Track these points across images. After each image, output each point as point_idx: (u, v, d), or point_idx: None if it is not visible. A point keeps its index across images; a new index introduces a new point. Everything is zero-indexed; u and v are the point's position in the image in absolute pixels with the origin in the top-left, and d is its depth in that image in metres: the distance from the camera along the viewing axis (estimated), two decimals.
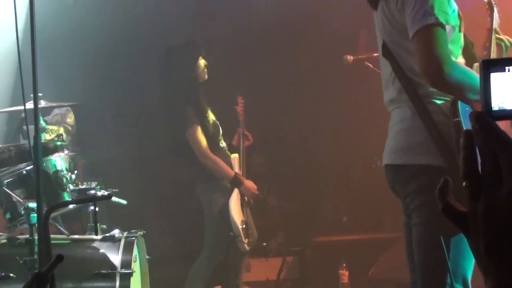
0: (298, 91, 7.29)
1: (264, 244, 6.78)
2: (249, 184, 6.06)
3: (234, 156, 6.13)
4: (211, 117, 5.95)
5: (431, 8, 2.91)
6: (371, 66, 5.54)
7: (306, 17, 7.28)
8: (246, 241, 5.93)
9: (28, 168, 4.39)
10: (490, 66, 1.17)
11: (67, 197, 4.48)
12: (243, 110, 6.49)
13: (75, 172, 4.62)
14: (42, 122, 4.63)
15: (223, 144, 6.02)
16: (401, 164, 3.14)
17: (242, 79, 7.03)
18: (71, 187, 4.52)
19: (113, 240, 4.25)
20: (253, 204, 6.18)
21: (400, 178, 3.17)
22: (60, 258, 2.80)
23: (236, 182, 5.93)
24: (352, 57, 5.95)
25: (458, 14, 3.07)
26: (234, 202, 5.91)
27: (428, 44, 2.92)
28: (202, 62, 5.93)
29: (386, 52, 3.14)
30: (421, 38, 2.93)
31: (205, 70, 5.95)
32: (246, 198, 6.08)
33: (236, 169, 6.07)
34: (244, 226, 5.94)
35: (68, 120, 6.22)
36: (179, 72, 5.90)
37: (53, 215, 4.25)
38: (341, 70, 6.31)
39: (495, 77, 1.16)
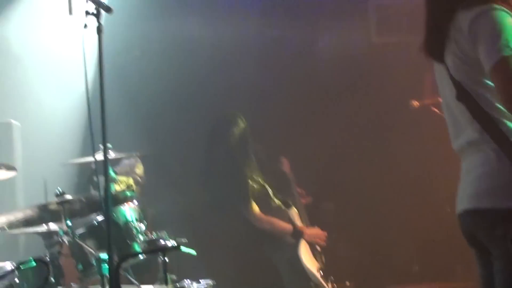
0: (364, 138, 7.24)
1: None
2: (312, 231, 6.13)
3: (292, 209, 6.21)
4: (260, 180, 6.09)
5: (505, 40, 2.87)
6: (438, 111, 5.48)
7: (370, 63, 7.26)
8: (330, 286, 5.96)
9: (99, 218, 4.43)
10: None
11: (137, 247, 4.50)
12: (289, 169, 6.53)
13: (145, 222, 4.64)
14: (111, 173, 4.68)
15: (276, 203, 6.13)
16: (486, 209, 2.99)
17: (307, 125, 7.04)
18: (141, 237, 4.54)
19: None
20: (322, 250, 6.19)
21: (484, 224, 3.02)
22: None
23: (297, 234, 6.04)
24: (418, 102, 5.91)
25: None
26: (304, 253, 5.94)
27: (508, 75, 2.87)
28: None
29: (462, 93, 3.07)
30: (500, 70, 2.88)
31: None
32: (318, 247, 6.11)
33: (297, 222, 6.13)
34: (321, 272, 5.96)
35: (137, 170, 6.27)
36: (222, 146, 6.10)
37: (123, 265, 4.27)
38: (407, 115, 6.25)
39: None
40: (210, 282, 4.41)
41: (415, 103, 5.92)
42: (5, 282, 3.76)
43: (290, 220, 6.10)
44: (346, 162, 7.18)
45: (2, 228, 4.55)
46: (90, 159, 4.85)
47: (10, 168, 4.12)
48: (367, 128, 7.27)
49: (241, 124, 6.25)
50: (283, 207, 6.19)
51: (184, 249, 4.65)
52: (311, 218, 6.36)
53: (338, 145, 7.06)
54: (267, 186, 6.21)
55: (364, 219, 7.34)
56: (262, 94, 7.06)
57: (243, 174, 6.10)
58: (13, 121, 6.61)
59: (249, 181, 6.10)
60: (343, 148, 7.07)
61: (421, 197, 7.00)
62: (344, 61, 7.24)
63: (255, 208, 6.03)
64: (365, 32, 7.47)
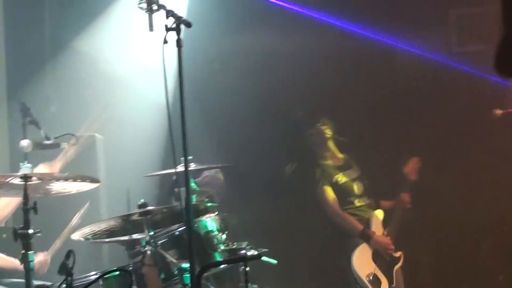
0: (445, 146, 7.16)
1: None
2: (381, 239, 6.17)
3: (377, 214, 6.25)
4: (341, 178, 6.29)
5: None
6: None
7: (450, 71, 7.19)
8: None
9: (180, 229, 4.50)
10: None
11: (218, 257, 4.55)
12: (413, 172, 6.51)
13: (226, 232, 4.69)
14: (192, 184, 4.74)
15: (360, 203, 6.20)
16: None
17: (386, 133, 7.03)
18: (222, 247, 4.59)
19: None
20: (387, 260, 6.22)
21: None
22: None
23: (364, 236, 6.14)
24: (501, 111, 5.85)
25: None
26: (357, 256, 6.06)
27: None
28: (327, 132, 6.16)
29: None
30: None
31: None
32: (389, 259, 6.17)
33: (374, 227, 6.16)
34: (371, 278, 5.99)
35: (217, 181, 6.34)
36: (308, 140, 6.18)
37: (205, 275, 4.33)
38: (488, 123, 6.18)
39: None
40: None
41: (498, 112, 5.87)
42: None
43: (366, 222, 6.18)
44: (428, 169, 7.11)
45: (87, 238, 4.65)
46: (171, 171, 4.93)
47: (94, 180, 4.22)
48: (447, 137, 7.19)
49: (321, 123, 6.40)
50: (365, 208, 6.29)
51: (265, 258, 4.68)
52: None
53: (416, 152, 6.99)
54: (354, 185, 6.34)
55: (446, 227, 7.25)
56: (341, 106, 7.06)
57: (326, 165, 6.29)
58: (96, 134, 6.75)
59: (331, 173, 6.31)
60: (423, 156, 6.99)
61: (506, 205, 6.88)
62: (423, 70, 7.19)
63: (330, 193, 6.18)
64: (445, 41, 7.41)
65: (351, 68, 7.22)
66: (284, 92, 7.19)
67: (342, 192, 6.33)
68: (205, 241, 4.55)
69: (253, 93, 7.15)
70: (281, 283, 4.56)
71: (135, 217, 4.45)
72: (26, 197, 3.91)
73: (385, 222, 6.34)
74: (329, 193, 6.32)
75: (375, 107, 7.12)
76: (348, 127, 6.85)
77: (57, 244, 5.25)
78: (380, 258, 6.19)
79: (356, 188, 6.39)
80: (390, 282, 6.14)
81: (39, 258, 5.05)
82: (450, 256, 7.25)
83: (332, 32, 7.25)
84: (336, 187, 6.34)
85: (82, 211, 5.37)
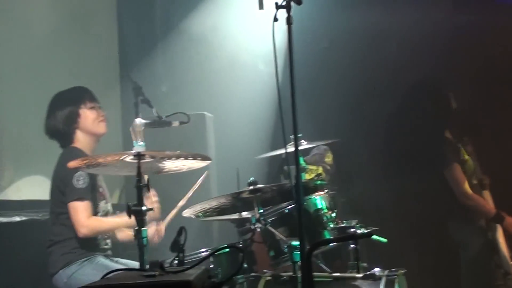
0: None
1: None
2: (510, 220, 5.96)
3: (486, 194, 6.06)
4: (465, 155, 5.93)
5: None
6: None
7: None
8: None
9: (290, 207, 4.51)
10: None
11: (327, 235, 4.54)
12: None
13: (335, 210, 4.67)
14: (302, 162, 4.74)
15: (475, 181, 5.99)
16: None
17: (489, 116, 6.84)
18: (331, 225, 4.58)
19: (374, 278, 4.24)
20: None
21: None
22: None
23: (498, 218, 5.87)
24: None
25: None
26: (501, 238, 5.82)
27: None
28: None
29: None
30: None
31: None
32: None
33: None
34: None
35: (326, 159, 6.32)
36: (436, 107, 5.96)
37: (315, 253, 4.33)
38: None
39: None
40: (401, 270, 4.37)
41: None
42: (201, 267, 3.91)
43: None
44: None
45: (197, 216, 4.72)
46: (281, 150, 4.94)
47: (205, 158, 4.27)
48: None
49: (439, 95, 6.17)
50: (478, 188, 6.07)
51: (375, 237, 4.64)
52: None
53: None
54: (472, 163, 6.14)
55: None
56: (449, 83, 6.89)
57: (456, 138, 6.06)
58: (206, 113, 6.84)
59: (458, 149, 6.06)
60: None
61: None
62: None
63: (463, 180, 5.93)
64: None
65: (460, 46, 7.02)
66: (393, 69, 7.09)
67: (466, 170, 6.07)
68: (315, 219, 4.55)
69: (362, 70, 7.08)
70: (392, 262, 4.50)
71: (245, 195, 4.48)
72: (139, 175, 3.99)
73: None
74: (459, 172, 6.00)
75: (480, 88, 6.91)
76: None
77: (173, 213, 5.32)
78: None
79: (473, 166, 6.16)
80: None
81: (152, 228, 5.15)
82: None
83: (444, 7, 7.09)
84: (463, 164, 6.07)
85: (200, 181, 5.43)
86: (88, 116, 5.12)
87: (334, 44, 7.33)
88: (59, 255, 4.91)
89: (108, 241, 5.13)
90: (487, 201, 6.02)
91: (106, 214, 5.17)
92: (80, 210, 4.87)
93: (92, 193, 5.00)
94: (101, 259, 4.95)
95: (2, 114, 5.63)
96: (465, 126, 6.40)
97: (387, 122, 7.14)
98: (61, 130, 5.09)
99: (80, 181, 4.85)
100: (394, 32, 7.10)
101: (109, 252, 5.11)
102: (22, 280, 5.50)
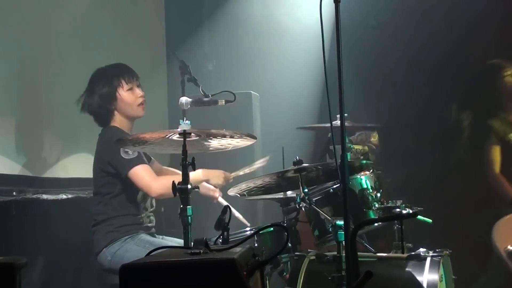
0: None
1: None
2: None
3: None
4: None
5: None
6: None
7: None
8: None
9: (335, 186, 4.50)
10: None
11: (372, 215, 4.52)
12: None
13: (380, 190, 4.65)
14: (347, 142, 4.72)
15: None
16: None
17: None
18: (377, 205, 4.56)
19: (419, 259, 4.21)
20: None
21: None
22: (369, 275, 2.84)
23: None
24: None
25: None
26: (502, 225, 5.74)
27: None
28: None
29: None
30: None
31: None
32: None
33: None
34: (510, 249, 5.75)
35: (372, 139, 6.30)
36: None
37: (359, 232, 4.32)
38: None
39: None
40: (446, 251, 4.34)
41: None
42: (246, 246, 3.93)
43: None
44: None
45: (242, 195, 4.73)
46: (325, 125, 4.93)
47: (251, 136, 4.27)
48: None
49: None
50: None
51: (420, 217, 4.61)
52: None
53: None
54: None
55: None
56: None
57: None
58: (252, 91, 6.84)
59: (505, 130, 6.01)
60: None
61: None
62: None
63: (495, 154, 5.92)
64: None
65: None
66: (442, 49, 7.00)
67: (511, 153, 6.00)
68: (360, 199, 4.53)
69: (411, 50, 7.01)
70: (437, 243, 4.47)
71: (290, 174, 4.48)
72: (185, 153, 4.00)
73: None
74: (495, 153, 5.98)
75: None
76: None
77: (243, 171, 5.27)
78: None
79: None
80: None
81: (219, 172, 5.10)
82: None
83: None
84: (507, 146, 6.01)
85: (259, 163, 5.42)
86: (125, 99, 5.04)
87: (381, 23, 7.27)
88: (103, 233, 4.89)
89: (152, 218, 5.13)
90: None
91: None
92: (142, 174, 4.78)
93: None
94: (144, 236, 4.93)
95: (50, 91, 5.67)
96: None
97: (431, 104, 7.07)
98: (98, 110, 5.04)
99: (128, 152, 4.80)
100: (443, 10, 7.01)
101: (153, 230, 5.10)
102: (68, 258, 5.56)
